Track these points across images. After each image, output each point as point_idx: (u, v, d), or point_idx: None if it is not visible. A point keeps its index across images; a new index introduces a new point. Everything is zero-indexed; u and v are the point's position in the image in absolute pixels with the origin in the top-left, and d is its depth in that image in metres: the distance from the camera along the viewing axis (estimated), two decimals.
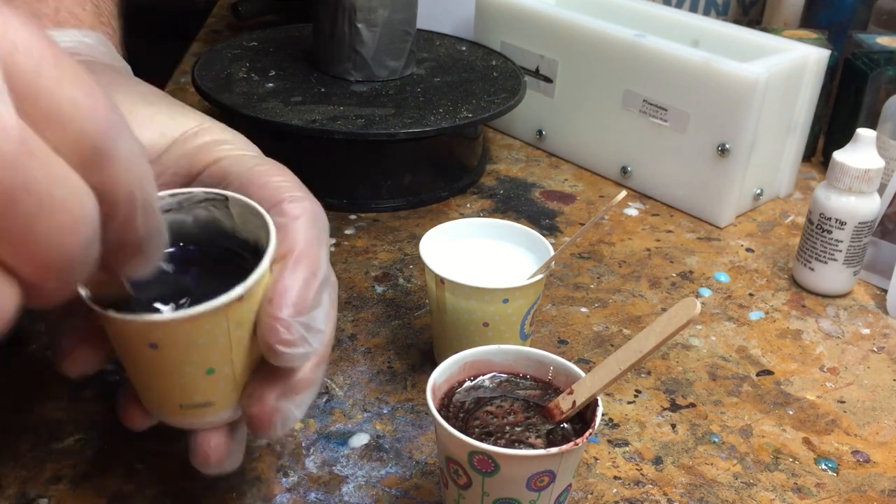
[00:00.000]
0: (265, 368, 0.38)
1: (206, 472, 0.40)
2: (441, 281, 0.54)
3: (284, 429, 0.39)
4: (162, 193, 0.40)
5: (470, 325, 0.55)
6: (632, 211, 0.82)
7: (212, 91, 0.77)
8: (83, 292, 0.34)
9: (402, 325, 0.64)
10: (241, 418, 0.40)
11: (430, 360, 0.60)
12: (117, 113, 0.26)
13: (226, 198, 0.40)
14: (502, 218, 0.79)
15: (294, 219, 0.39)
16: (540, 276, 0.55)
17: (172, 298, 0.37)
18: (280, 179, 0.41)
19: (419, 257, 0.55)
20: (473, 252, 0.59)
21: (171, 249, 0.40)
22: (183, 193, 0.40)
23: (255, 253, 0.39)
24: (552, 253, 0.56)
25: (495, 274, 0.57)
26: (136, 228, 0.28)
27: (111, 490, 0.48)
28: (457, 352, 0.47)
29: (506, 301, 0.54)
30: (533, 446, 0.44)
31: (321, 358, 0.39)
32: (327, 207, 0.76)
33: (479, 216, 0.79)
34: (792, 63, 0.78)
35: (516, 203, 0.82)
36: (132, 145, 0.26)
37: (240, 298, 0.35)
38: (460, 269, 0.56)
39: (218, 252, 0.41)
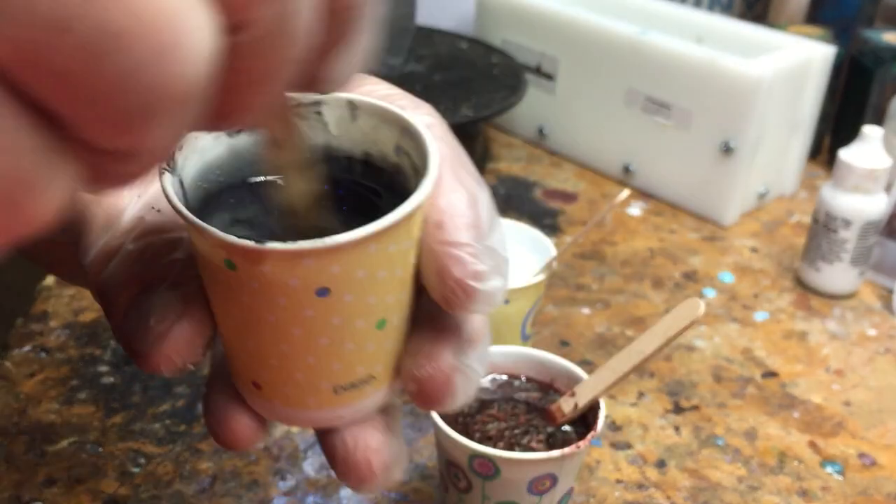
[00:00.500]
0: (426, 324, 0.28)
1: (364, 491, 0.32)
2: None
3: (468, 393, 0.28)
4: None
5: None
6: (634, 210, 0.81)
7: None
8: (206, 228, 0.23)
9: None
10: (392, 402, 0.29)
11: None
12: None
13: (351, 102, 0.28)
14: (503, 217, 0.78)
15: (429, 126, 0.28)
16: (541, 277, 0.54)
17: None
18: (385, 87, 0.30)
19: None
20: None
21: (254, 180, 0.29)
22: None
23: (366, 174, 0.29)
24: (553, 252, 0.56)
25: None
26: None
27: (106, 493, 0.48)
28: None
29: (507, 302, 0.53)
30: (534, 449, 0.43)
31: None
32: None
33: None
34: (797, 60, 0.77)
35: (517, 202, 0.81)
36: None
37: (419, 207, 0.25)
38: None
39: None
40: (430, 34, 0.94)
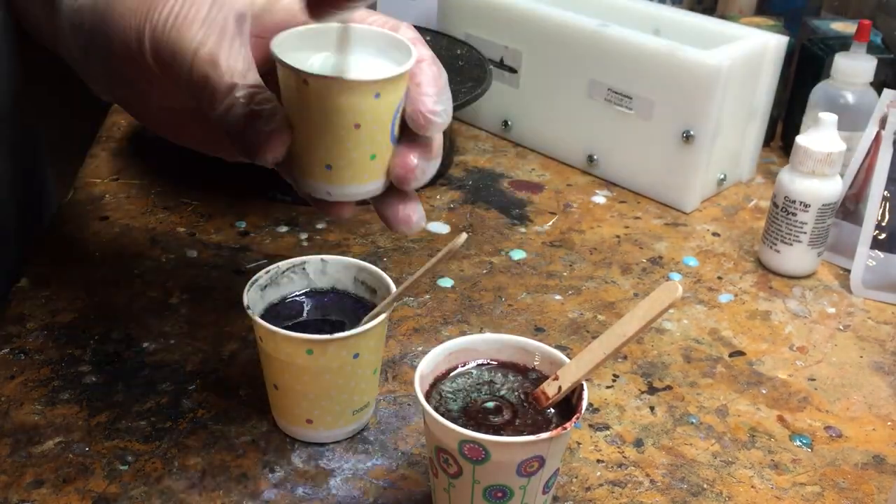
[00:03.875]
0: (405, 143, 0.47)
1: (411, 231, 0.50)
2: (305, 81, 0.44)
3: (422, 180, 0.48)
4: None
5: (340, 129, 0.46)
6: (599, 199, 0.83)
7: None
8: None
9: None
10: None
11: (409, 353, 0.60)
12: None
13: (323, 260, 0.55)
14: (472, 209, 0.79)
15: (413, 40, 0.47)
16: (407, 68, 0.46)
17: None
18: (378, 16, 0.48)
19: (392, 250, 0.55)
20: (329, 59, 0.49)
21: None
22: None
23: (333, 300, 0.55)
24: (410, 58, 0.47)
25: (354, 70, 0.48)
26: None
27: (95, 492, 0.48)
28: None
29: (378, 96, 0.45)
30: (521, 432, 0.44)
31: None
32: (297, 202, 0.76)
33: (450, 207, 0.79)
34: (752, 50, 0.80)
35: (486, 194, 0.82)
36: None
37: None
38: (317, 67, 0.48)
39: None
40: None
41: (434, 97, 0.46)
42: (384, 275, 0.52)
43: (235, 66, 0.45)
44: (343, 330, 0.49)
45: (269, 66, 0.46)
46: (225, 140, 0.46)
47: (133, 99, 0.51)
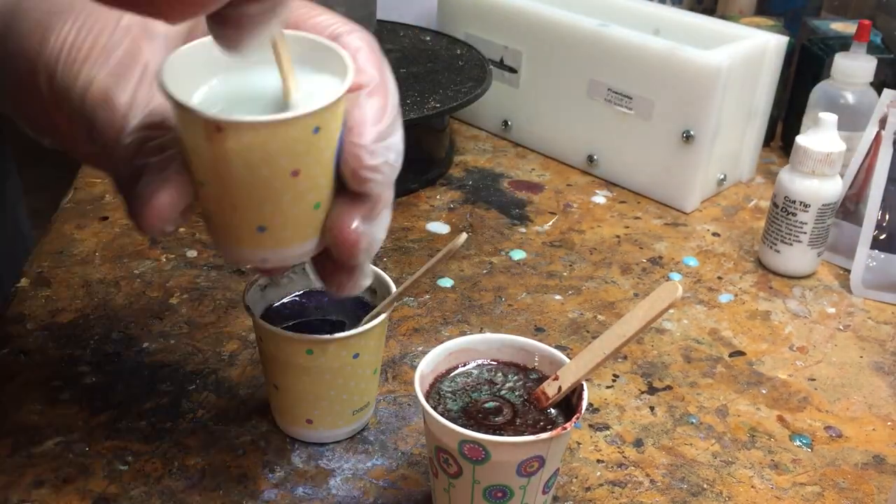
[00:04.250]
0: (342, 199, 0.38)
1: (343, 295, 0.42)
2: (218, 128, 0.34)
3: (371, 252, 0.40)
4: None
5: (273, 180, 0.36)
6: (599, 199, 0.83)
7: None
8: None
9: None
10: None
11: (409, 353, 0.60)
12: None
13: None
14: (472, 209, 0.79)
15: (356, 51, 0.38)
16: (344, 89, 0.36)
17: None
18: (326, 17, 0.40)
19: (392, 250, 0.55)
20: (239, 82, 0.39)
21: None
22: None
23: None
24: (349, 68, 0.37)
25: (281, 104, 0.38)
26: None
27: (95, 492, 0.48)
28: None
29: (317, 130, 0.36)
30: (521, 433, 0.44)
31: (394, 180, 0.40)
32: None
33: (450, 207, 0.79)
34: (752, 50, 0.80)
35: (486, 194, 0.82)
36: None
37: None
38: (236, 108, 0.38)
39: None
40: (394, 28, 0.95)
41: (370, 146, 0.37)
42: (384, 275, 0.52)
43: (131, 104, 0.37)
44: (343, 330, 0.49)
45: None
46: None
47: (52, 142, 0.42)
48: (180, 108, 0.34)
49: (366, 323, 0.49)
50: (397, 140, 0.38)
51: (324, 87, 0.37)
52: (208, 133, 0.34)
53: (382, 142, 0.37)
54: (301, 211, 0.37)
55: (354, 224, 0.38)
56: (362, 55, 0.38)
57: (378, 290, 0.53)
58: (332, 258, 0.40)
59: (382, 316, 0.50)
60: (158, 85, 0.34)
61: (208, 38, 0.34)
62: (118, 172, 0.37)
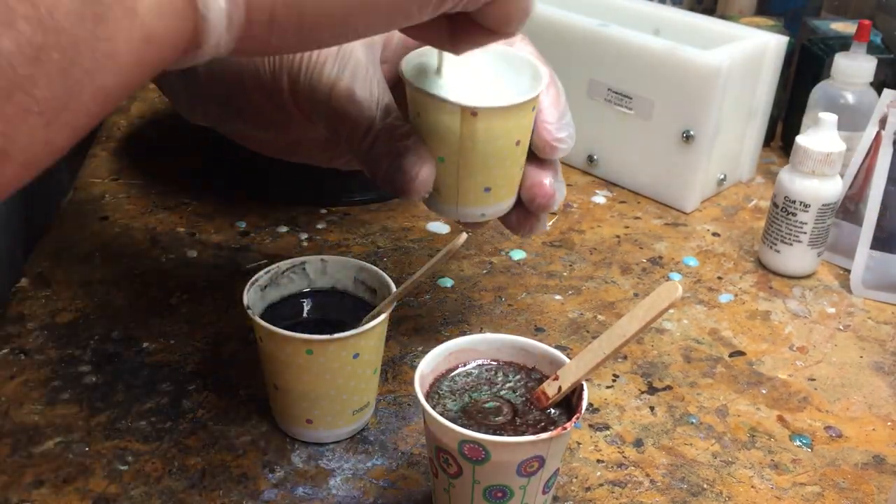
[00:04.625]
0: (534, 164, 0.50)
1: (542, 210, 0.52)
2: (473, 113, 0.45)
3: (559, 201, 0.52)
4: None
5: (503, 150, 0.47)
6: (599, 199, 0.83)
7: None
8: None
9: None
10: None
11: (409, 353, 0.60)
12: None
13: (323, 260, 0.55)
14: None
15: (532, 54, 0.49)
16: (536, 93, 0.47)
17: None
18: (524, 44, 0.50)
19: (392, 250, 0.55)
20: (462, 76, 0.49)
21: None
22: None
23: (330, 300, 0.55)
24: (543, 77, 0.49)
25: (499, 89, 0.49)
26: None
27: (95, 492, 0.48)
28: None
29: (534, 109, 0.48)
30: (521, 433, 0.44)
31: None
32: (297, 202, 0.76)
33: None
34: (752, 50, 0.80)
35: None
36: None
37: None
38: (470, 93, 0.47)
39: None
40: None
41: (557, 124, 0.49)
42: (384, 275, 0.52)
43: (372, 99, 0.46)
44: (343, 330, 0.49)
45: (392, 86, 0.48)
46: (344, 156, 0.49)
47: (269, 135, 0.53)
48: (437, 100, 0.44)
49: (366, 323, 0.49)
50: (570, 118, 0.50)
51: (518, 84, 0.47)
52: (464, 117, 0.44)
53: (563, 119, 0.49)
54: (515, 172, 0.49)
55: (549, 181, 0.50)
56: (534, 58, 0.49)
57: (378, 290, 0.53)
58: (523, 209, 0.52)
59: (382, 316, 0.50)
60: (408, 84, 0.45)
61: (419, 51, 0.47)
62: (371, 158, 0.46)
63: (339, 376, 0.49)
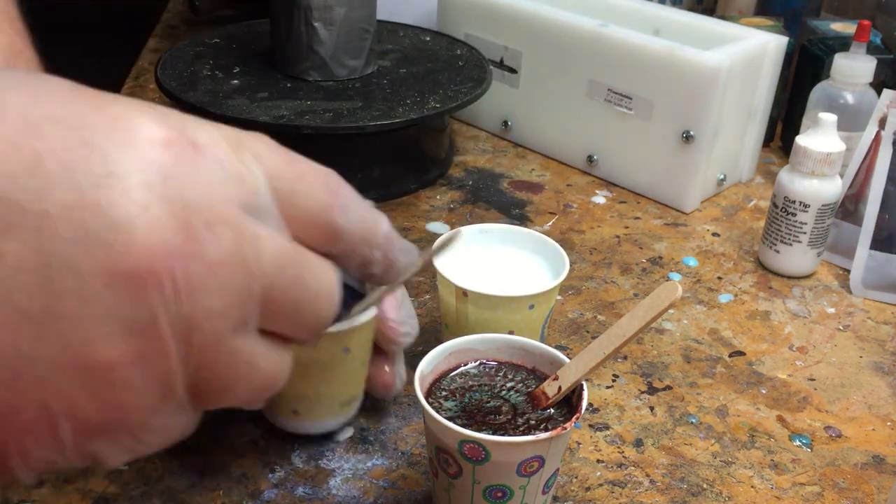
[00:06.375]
0: (378, 353, 0.52)
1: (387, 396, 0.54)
2: (464, 293, 0.53)
3: (400, 386, 0.53)
4: None
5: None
6: (599, 199, 0.83)
7: (176, 90, 0.76)
8: None
9: None
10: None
11: (409, 353, 0.60)
12: (345, 190, 0.34)
13: None
14: (472, 209, 0.79)
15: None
16: (558, 282, 0.55)
17: None
18: None
19: None
20: (483, 259, 0.58)
21: None
22: None
23: None
24: (566, 260, 0.56)
25: (510, 279, 0.57)
26: (373, 263, 0.36)
27: (96, 492, 0.48)
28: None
29: (532, 307, 0.53)
30: (521, 433, 0.44)
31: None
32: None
33: (450, 208, 0.79)
34: (752, 50, 0.80)
35: (486, 194, 0.82)
36: (358, 212, 0.35)
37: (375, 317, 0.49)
38: (475, 278, 0.55)
39: None
40: (394, 28, 0.95)
41: (400, 317, 0.50)
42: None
43: None
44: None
45: None
46: None
47: None
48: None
49: (356, 312, 0.46)
50: (412, 311, 0.52)
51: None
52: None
53: (402, 312, 0.50)
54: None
55: (388, 368, 0.52)
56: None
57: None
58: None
59: (374, 310, 0.49)
60: None
61: None
62: None
63: (327, 370, 0.49)
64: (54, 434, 0.27)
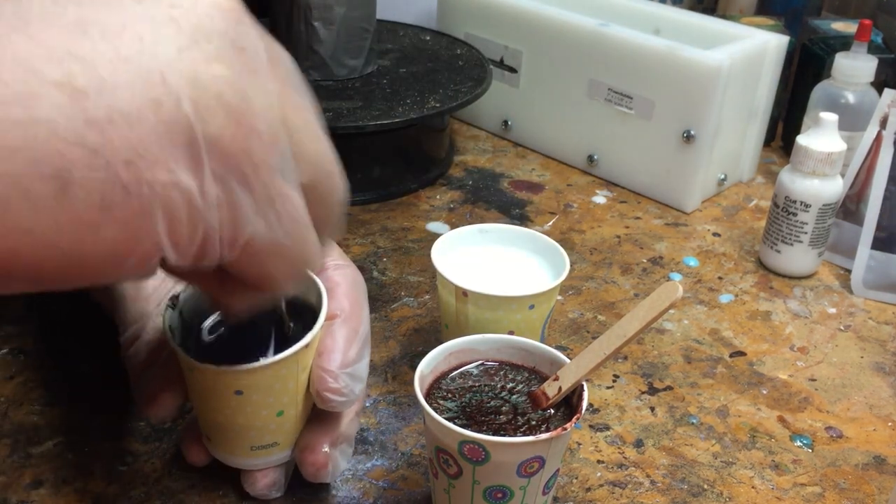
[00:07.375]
0: (315, 419, 0.45)
1: (258, 498, 0.47)
2: (464, 293, 0.53)
3: (335, 475, 0.46)
4: None
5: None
6: (600, 199, 0.83)
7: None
8: (180, 352, 0.41)
9: (379, 319, 0.64)
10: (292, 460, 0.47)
11: (409, 353, 0.60)
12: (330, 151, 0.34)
13: None
14: (472, 209, 0.79)
15: (337, 285, 0.45)
16: (558, 282, 0.54)
17: (235, 357, 0.42)
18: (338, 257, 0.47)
19: (392, 250, 0.55)
20: (483, 259, 0.58)
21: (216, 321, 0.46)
22: None
23: (296, 312, 0.45)
24: (567, 261, 0.55)
25: (510, 279, 0.56)
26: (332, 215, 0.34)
27: (94, 493, 0.48)
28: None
29: (532, 307, 0.53)
30: (521, 433, 0.44)
31: (359, 407, 0.47)
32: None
33: (450, 208, 0.79)
34: (753, 49, 0.80)
35: (486, 194, 0.82)
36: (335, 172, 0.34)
37: (306, 346, 0.41)
38: (475, 278, 0.55)
39: (259, 316, 0.43)
40: (393, 28, 0.95)
41: (336, 371, 0.42)
42: (322, 292, 0.44)
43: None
44: (251, 354, 0.42)
45: None
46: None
47: None
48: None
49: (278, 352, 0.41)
50: (363, 367, 0.44)
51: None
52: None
53: (347, 368, 0.42)
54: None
55: (322, 447, 0.45)
56: (343, 289, 0.45)
57: (312, 310, 0.44)
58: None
59: (278, 357, 0.41)
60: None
61: None
62: (131, 365, 0.47)
63: (224, 408, 0.43)
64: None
